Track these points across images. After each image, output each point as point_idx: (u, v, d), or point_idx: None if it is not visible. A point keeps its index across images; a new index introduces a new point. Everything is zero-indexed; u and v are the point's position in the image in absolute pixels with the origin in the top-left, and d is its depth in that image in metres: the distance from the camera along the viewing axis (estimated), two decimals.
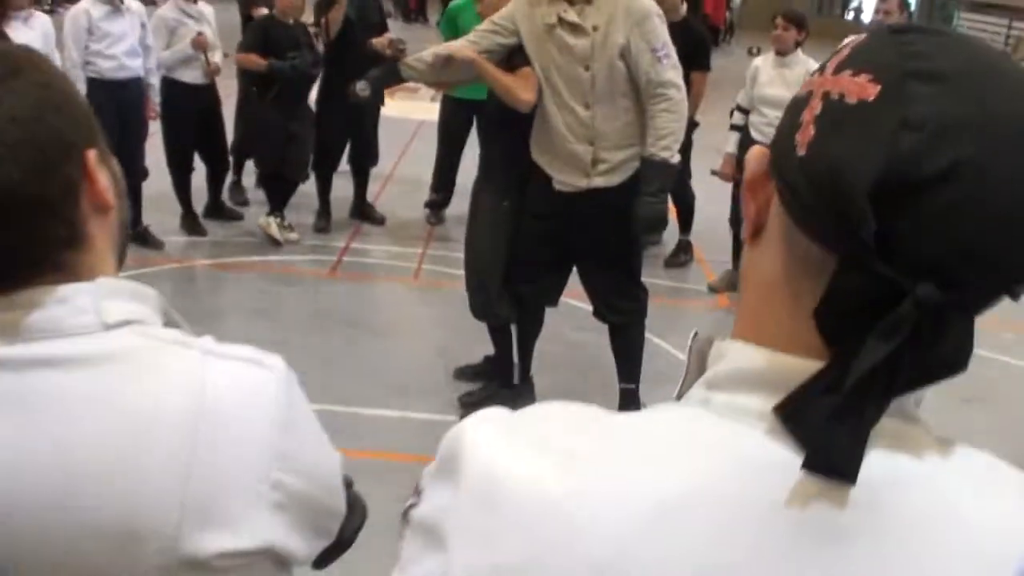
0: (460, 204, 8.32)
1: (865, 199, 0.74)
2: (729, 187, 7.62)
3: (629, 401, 5.22)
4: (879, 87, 0.77)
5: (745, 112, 7.43)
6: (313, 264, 7.62)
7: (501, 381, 5.49)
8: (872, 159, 0.75)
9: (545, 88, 4.76)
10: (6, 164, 1.10)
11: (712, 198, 8.06)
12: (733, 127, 7.53)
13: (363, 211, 8.63)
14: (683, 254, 8.15)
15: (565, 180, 4.82)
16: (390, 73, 4.96)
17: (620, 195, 4.76)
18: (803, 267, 0.83)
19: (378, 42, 5.35)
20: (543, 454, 0.86)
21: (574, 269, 5.22)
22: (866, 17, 40.37)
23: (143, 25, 7.32)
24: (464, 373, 5.76)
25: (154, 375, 1.15)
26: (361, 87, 4.95)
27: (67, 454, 1.12)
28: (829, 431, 0.76)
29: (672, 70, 4.66)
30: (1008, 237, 0.77)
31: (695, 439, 0.84)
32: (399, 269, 7.62)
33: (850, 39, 0.90)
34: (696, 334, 0.94)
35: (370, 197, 8.80)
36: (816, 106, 0.81)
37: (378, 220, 8.59)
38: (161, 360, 1.17)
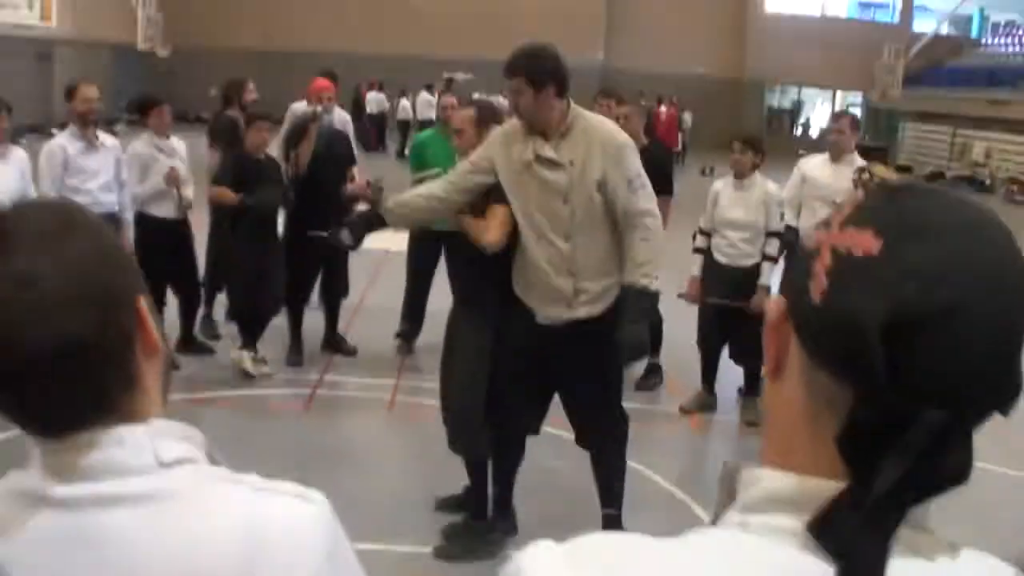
0: (431, 333, 8.40)
1: (877, 340, 0.87)
2: (695, 309, 7.73)
3: (612, 526, 5.22)
4: (881, 243, 0.90)
5: (707, 235, 7.58)
6: (287, 398, 7.63)
7: (475, 513, 5.48)
8: (880, 306, 0.88)
9: (524, 224, 4.86)
10: (69, 317, 1.17)
11: (679, 320, 8.15)
12: (696, 250, 7.66)
13: (334, 343, 8.67)
14: (653, 376, 8.18)
15: (548, 314, 4.91)
16: (373, 219, 5.05)
17: (601, 323, 4.86)
18: (823, 400, 0.95)
19: (357, 186, 5.41)
20: None
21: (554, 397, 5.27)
22: (814, 132, 41.27)
23: (118, 160, 7.43)
24: (446, 504, 5.74)
25: (212, 513, 1.23)
26: (344, 236, 5.03)
27: None
28: (857, 542, 0.88)
29: (647, 199, 4.81)
30: (997, 365, 0.89)
31: (737, 559, 0.95)
32: (373, 401, 7.63)
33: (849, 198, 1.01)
34: (725, 463, 1.05)
35: (340, 328, 8.84)
36: (826, 258, 0.94)
37: (350, 352, 8.62)
38: (217, 497, 1.24)
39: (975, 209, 0.95)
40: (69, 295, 1.17)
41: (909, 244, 0.90)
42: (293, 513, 1.26)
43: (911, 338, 0.87)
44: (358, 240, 5.07)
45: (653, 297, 4.89)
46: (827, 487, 0.93)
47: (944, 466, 0.89)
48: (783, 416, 1.02)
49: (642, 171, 4.84)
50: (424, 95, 28.84)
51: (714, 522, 1.05)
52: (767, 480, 0.99)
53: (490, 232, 4.89)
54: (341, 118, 9.20)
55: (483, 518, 5.42)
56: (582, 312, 4.87)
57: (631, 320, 4.79)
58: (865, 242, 0.91)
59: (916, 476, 0.87)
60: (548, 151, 4.74)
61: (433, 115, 27.35)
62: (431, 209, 5.04)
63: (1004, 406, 0.93)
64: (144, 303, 1.28)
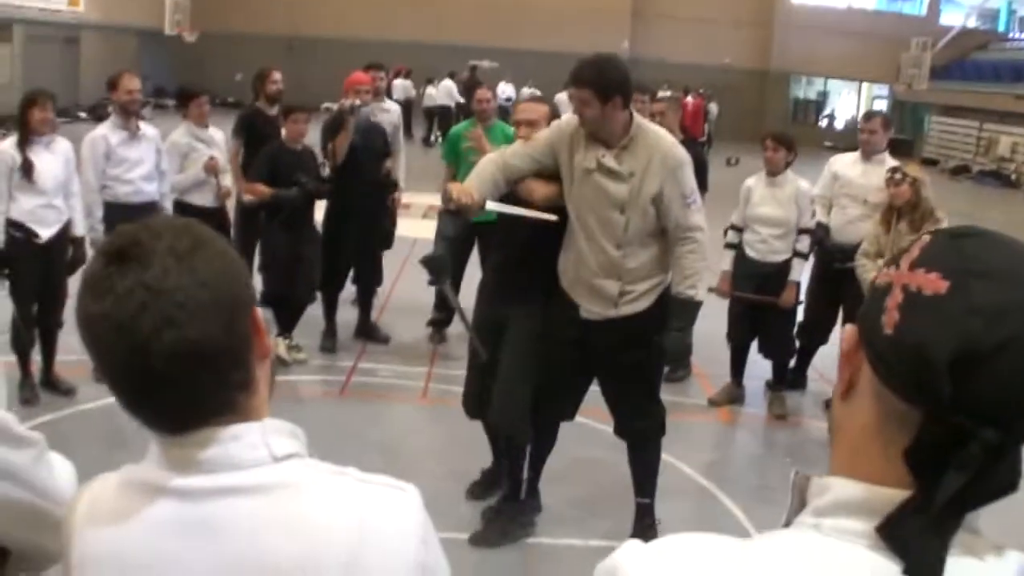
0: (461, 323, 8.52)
1: (946, 369, 1.01)
2: (726, 303, 7.84)
3: (645, 514, 5.38)
4: (948, 283, 1.04)
5: (739, 230, 7.68)
6: (322, 384, 7.76)
7: (509, 495, 5.60)
8: (948, 339, 1.01)
9: (576, 226, 4.97)
10: (203, 322, 1.29)
11: (709, 314, 8.16)
12: (728, 245, 7.76)
13: (368, 331, 8.79)
14: (682, 369, 8.26)
15: (592, 309, 5.03)
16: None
17: (644, 319, 5.00)
18: (891, 417, 1.09)
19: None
20: None
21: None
22: (839, 124, 41.11)
23: (158, 151, 7.53)
24: (476, 489, 5.91)
25: (322, 500, 1.36)
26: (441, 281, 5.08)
27: (257, 570, 1.32)
28: (921, 543, 1.02)
29: (698, 214, 4.94)
30: None
31: (813, 556, 1.08)
32: (407, 388, 7.75)
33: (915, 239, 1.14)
34: (796, 473, 1.21)
35: (373, 316, 8.98)
36: (898, 296, 1.08)
37: (383, 340, 8.75)
38: (325, 487, 1.37)
39: None
40: (199, 303, 1.29)
41: (973, 285, 1.03)
42: (393, 502, 1.40)
43: (974, 368, 1.01)
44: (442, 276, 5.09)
45: (698, 306, 5.04)
46: (894, 495, 1.06)
47: (997, 477, 1.02)
48: (853, 431, 1.15)
49: (696, 187, 4.97)
50: (447, 82, 28.75)
51: (786, 525, 1.18)
52: (838, 488, 1.12)
53: (550, 189, 5.01)
54: (395, 110, 9.35)
55: (516, 499, 5.56)
56: (626, 310, 5.00)
57: (677, 328, 4.96)
58: (933, 283, 1.05)
59: (973, 486, 1.01)
60: (611, 161, 4.82)
61: (452, 103, 27.44)
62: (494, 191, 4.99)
63: None
64: (259, 313, 1.41)
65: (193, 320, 1.28)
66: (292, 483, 1.35)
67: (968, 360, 1.00)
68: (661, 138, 4.92)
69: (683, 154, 4.93)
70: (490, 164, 5.02)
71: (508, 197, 5.04)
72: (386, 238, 8.99)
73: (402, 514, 1.39)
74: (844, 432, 1.17)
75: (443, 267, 4.96)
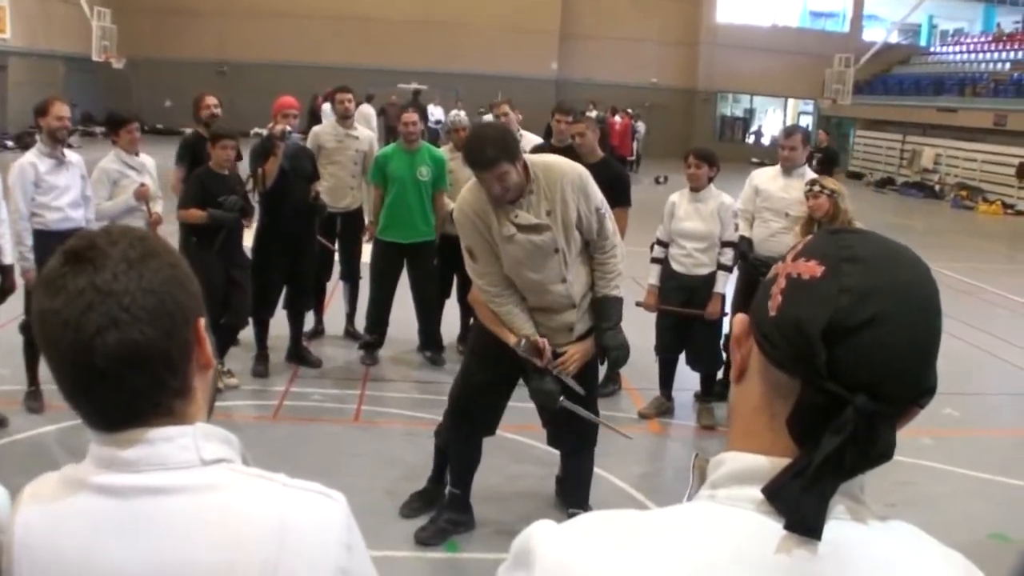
0: (394, 345, 8.65)
1: (818, 340, 1.14)
2: (653, 317, 7.95)
3: None
4: (823, 268, 1.19)
5: (664, 245, 7.81)
6: (255, 408, 7.73)
7: (448, 504, 5.69)
8: (821, 314, 1.15)
9: (518, 283, 5.09)
10: (142, 324, 1.37)
11: (637, 329, 8.31)
12: (654, 260, 7.89)
13: (299, 355, 8.76)
14: (611, 384, 8.31)
15: (554, 343, 5.16)
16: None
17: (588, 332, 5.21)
18: (777, 392, 1.21)
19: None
20: (599, 545, 1.20)
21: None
22: (766, 140, 41.59)
23: (83, 177, 7.47)
24: (410, 507, 5.93)
25: (245, 503, 1.41)
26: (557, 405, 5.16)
27: (178, 568, 1.37)
28: (801, 502, 1.12)
29: (610, 221, 5.11)
30: (911, 363, 1.16)
31: (709, 522, 1.19)
32: (339, 411, 7.73)
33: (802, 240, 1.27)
34: (697, 455, 1.33)
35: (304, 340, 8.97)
36: (782, 283, 1.22)
37: (314, 363, 8.72)
38: (250, 491, 1.43)
39: (897, 245, 1.23)
40: (143, 307, 1.37)
41: (845, 268, 1.17)
42: (317, 508, 1.44)
43: (845, 339, 1.13)
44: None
45: (621, 302, 5.23)
46: (780, 463, 1.17)
47: (873, 445, 1.13)
48: (745, 409, 1.27)
49: (602, 196, 5.10)
50: (365, 108, 26.29)
51: (688, 500, 1.28)
52: (731, 461, 1.24)
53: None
54: (365, 137, 9.54)
55: (454, 508, 5.65)
56: (579, 329, 5.20)
57: (610, 327, 5.13)
58: (811, 268, 1.19)
59: (851, 451, 1.12)
60: (525, 216, 4.90)
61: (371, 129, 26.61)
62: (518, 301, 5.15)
63: (920, 399, 1.20)
64: (204, 325, 1.48)
65: (135, 323, 1.35)
66: (217, 485, 1.40)
67: (839, 332, 1.13)
68: (557, 164, 5.04)
69: (581, 167, 5.08)
70: (505, 295, 5.11)
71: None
72: (327, 266, 9.16)
73: (324, 518, 1.43)
74: (738, 412, 1.29)
75: (551, 397, 5.13)
